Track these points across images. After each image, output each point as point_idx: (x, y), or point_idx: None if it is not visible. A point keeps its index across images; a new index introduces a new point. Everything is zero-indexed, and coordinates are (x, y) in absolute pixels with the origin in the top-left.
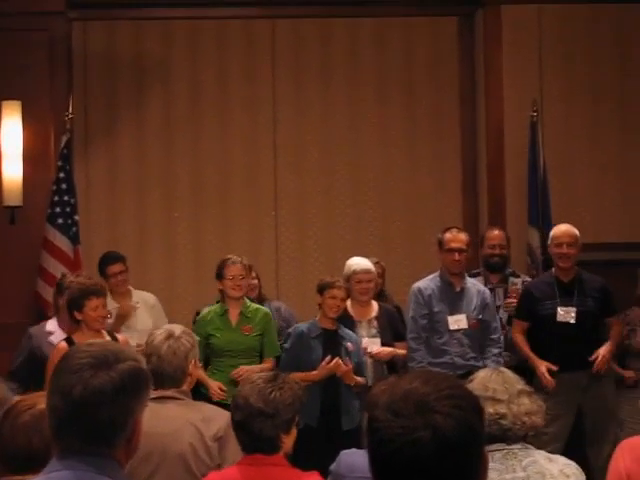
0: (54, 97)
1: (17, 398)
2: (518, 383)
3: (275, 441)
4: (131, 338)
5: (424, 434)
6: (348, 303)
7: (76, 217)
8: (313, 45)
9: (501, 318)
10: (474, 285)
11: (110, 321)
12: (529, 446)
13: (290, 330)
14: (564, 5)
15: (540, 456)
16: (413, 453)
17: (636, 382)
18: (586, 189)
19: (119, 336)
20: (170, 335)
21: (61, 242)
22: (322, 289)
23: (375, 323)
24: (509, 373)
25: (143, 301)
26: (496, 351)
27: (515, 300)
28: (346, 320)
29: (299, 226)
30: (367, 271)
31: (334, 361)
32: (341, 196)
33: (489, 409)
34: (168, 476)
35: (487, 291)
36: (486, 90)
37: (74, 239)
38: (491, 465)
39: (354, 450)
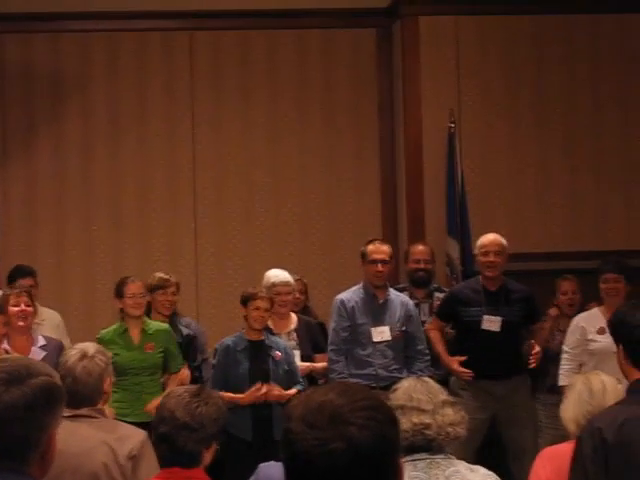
0: None
1: None
2: (441, 393)
3: (197, 455)
4: None
5: (338, 445)
6: None
7: None
8: (232, 57)
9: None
10: (398, 297)
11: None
12: (451, 456)
13: (217, 345)
14: (481, 17)
15: (462, 466)
16: (328, 464)
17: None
18: (504, 200)
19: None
20: (84, 355)
21: None
22: (245, 301)
23: (294, 335)
24: (432, 383)
25: (49, 319)
26: (422, 365)
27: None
28: (265, 333)
29: (219, 240)
30: (286, 283)
31: (263, 389)
32: (261, 209)
33: (414, 419)
34: None
35: (411, 302)
36: (404, 102)
37: None
38: (414, 474)
39: (273, 463)
